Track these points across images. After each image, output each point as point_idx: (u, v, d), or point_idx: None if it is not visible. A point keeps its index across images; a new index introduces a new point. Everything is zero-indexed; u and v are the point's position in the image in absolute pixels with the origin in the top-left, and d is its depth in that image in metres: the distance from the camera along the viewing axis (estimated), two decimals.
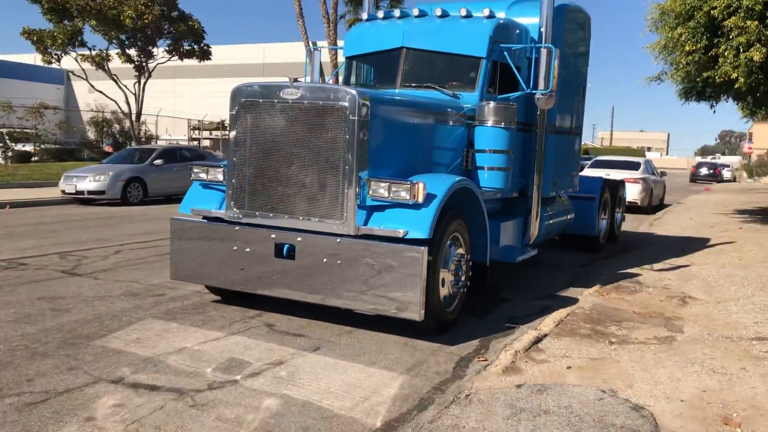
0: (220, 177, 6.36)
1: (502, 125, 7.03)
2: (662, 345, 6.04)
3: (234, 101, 6.13)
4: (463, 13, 7.65)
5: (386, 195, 5.61)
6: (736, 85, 11.35)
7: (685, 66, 12.35)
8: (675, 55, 12.61)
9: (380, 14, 8.21)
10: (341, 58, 8.57)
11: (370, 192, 5.67)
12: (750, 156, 66.46)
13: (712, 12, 11.22)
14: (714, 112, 17.77)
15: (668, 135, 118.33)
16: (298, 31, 31.11)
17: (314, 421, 4.13)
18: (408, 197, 5.53)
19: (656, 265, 10.31)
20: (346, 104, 5.63)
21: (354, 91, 5.65)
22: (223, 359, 5.17)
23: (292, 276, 5.90)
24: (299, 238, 5.84)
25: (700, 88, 13.62)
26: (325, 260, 5.73)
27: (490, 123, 7.05)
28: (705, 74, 12.22)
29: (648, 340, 6.19)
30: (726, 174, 53.81)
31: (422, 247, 5.41)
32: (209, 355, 5.24)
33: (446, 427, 4.11)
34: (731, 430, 4.15)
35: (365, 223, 5.70)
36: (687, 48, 12.08)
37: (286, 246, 5.93)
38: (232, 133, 6.17)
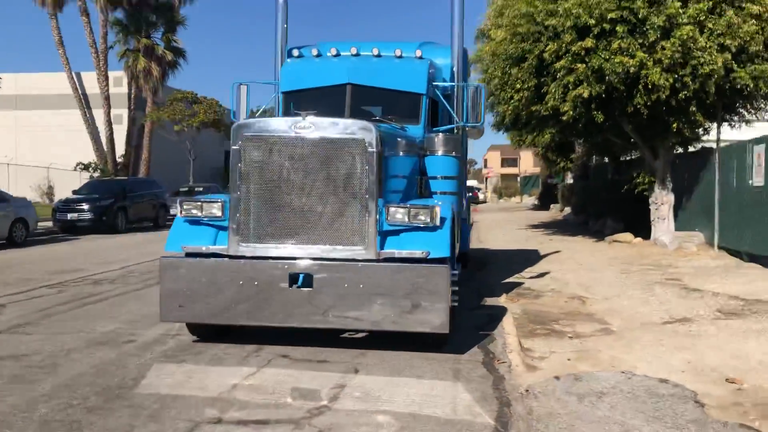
0: (217, 212, 6.29)
1: (452, 154, 7.82)
2: (611, 335, 7.21)
3: (238, 136, 6.15)
4: (398, 53, 8.34)
5: (405, 219, 6.08)
6: (565, 117, 13.41)
7: (516, 101, 14.25)
8: (506, 92, 14.46)
9: (314, 52, 8.57)
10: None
11: (388, 218, 6.09)
12: (488, 179, 75.65)
13: (543, 55, 13.18)
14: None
15: None
16: (56, 61, 28.90)
17: (439, 426, 4.49)
18: (428, 221, 6.05)
19: (525, 274, 11.79)
20: (365, 137, 6.01)
21: (372, 125, 6.06)
22: (288, 389, 5.22)
23: (310, 304, 6.04)
24: (316, 267, 6.04)
25: (525, 120, 15.76)
26: (346, 285, 5.99)
27: (440, 152, 7.81)
28: (533, 108, 14.23)
29: (595, 333, 7.34)
30: (480, 196, 60.59)
31: (446, 265, 5.97)
32: (271, 388, 5.24)
33: (546, 415, 4.73)
34: (737, 385, 5.32)
35: (382, 247, 6.10)
36: (517, 86, 14.00)
37: (301, 275, 6.07)
38: (237, 168, 6.16)
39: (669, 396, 5.11)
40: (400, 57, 8.37)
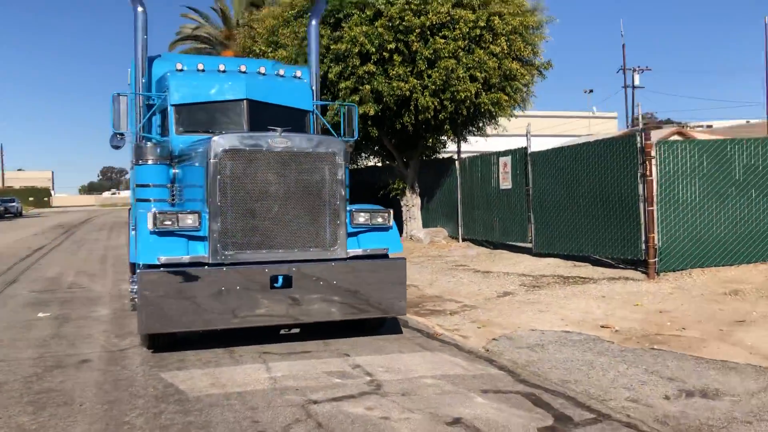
0: (193, 223, 6.50)
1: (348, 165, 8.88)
2: (476, 309, 9.08)
3: (214, 151, 6.48)
4: (281, 73, 9.09)
5: (366, 221, 7.10)
6: None
7: None
8: None
9: (200, 66, 8.77)
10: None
11: (353, 221, 7.05)
12: None
13: (328, 76, 14.67)
14: None
15: (52, 173, 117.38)
16: None
17: (474, 379, 5.74)
18: (384, 222, 7.17)
19: None
20: (334, 150, 6.87)
21: (339, 139, 6.95)
22: (322, 373, 5.91)
23: (289, 303, 6.70)
24: (294, 268, 6.72)
25: None
26: (321, 283, 6.80)
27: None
28: None
29: (462, 309, 9.15)
30: None
31: (404, 258, 7.16)
32: (306, 374, 5.87)
33: (526, 363, 6.30)
34: (612, 329, 7.54)
35: (348, 247, 7.03)
36: None
37: (280, 277, 6.69)
38: (215, 181, 6.48)
39: (584, 340, 7.10)
40: (283, 76, 9.13)
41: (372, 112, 14.55)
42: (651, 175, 10.44)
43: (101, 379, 5.87)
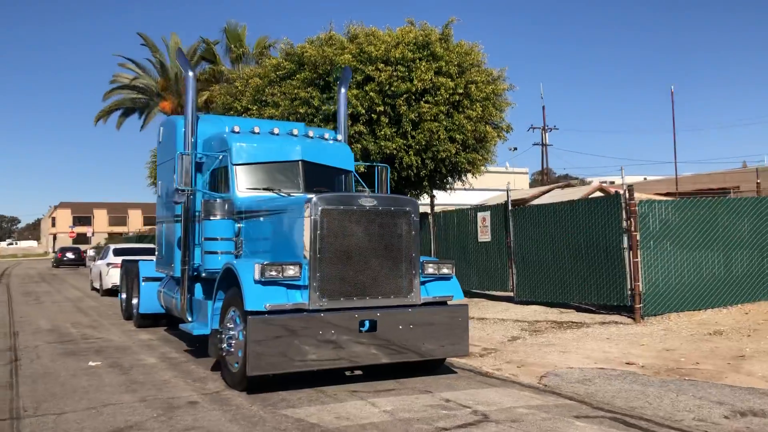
0: (292, 273, 7.21)
1: None
2: (497, 351, 10.05)
3: (315, 209, 7.27)
4: (326, 136, 9.99)
5: (434, 272, 8.02)
6: None
7: None
8: None
9: (256, 129, 9.51)
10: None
11: (423, 271, 7.94)
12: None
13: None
14: None
15: None
16: None
17: (558, 407, 6.69)
18: (450, 272, 8.10)
19: None
20: (411, 208, 7.79)
21: (412, 199, 7.88)
22: (429, 406, 6.68)
23: (374, 345, 7.47)
24: (378, 314, 7.52)
25: None
26: (400, 327, 7.63)
27: None
28: None
29: (484, 351, 10.09)
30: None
31: (467, 304, 8.09)
32: (413, 408, 6.62)
33: (587, 395, 7.31)
34: (636, 365, 8.68)
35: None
36: None
37: (367, 322, 7.47)
38: (315, 236, 7.24)
39: (622, 374, 8.19)
40: (327, 140, 10.02)
41: (362, 169, 15.49)
42: (635, 229, 11.89)
43: (230, 416, 6.40)
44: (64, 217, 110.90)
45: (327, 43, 16.87)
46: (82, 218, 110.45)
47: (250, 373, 6.96)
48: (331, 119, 15.70)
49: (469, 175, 18.26)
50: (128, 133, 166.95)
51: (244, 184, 9.14)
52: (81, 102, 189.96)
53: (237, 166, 9.15)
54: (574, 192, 33.14)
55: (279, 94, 16.53)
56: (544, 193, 33.98)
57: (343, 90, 11.13)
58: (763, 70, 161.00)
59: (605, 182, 53.77)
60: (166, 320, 13.11)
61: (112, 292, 20.90)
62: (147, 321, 12.97)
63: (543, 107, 68.80)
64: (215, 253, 8.65)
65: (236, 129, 9.45)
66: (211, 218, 8.63)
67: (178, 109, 38.32)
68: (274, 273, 7.16)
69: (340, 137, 10.31)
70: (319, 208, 7.34)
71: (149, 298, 12.48)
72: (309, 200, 7.39)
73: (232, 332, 7.42)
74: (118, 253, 21.58)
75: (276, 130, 9.65)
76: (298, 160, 9.33)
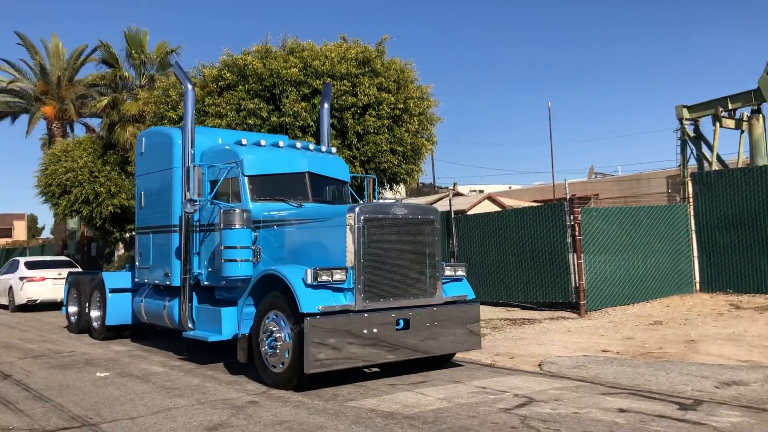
0: (339, 277, 7.77)
1: None
2: (487, 343, 11.04)
3: (358, 218, 7.88)
4: (323, 149, 10.55)
5: (451, 273, 8.86)
6: None
7: None
8: None
9: (263, 142, 9.86)
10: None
11: (443, 273, 8.76)
12: None
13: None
14: None
15: None
16: None
17: (575, 389, 7.73)
18: (463, 274, 8.98)
19: None
20: (434, 216, 8.58)
21: (435, 208, 8.68)
22: (473, 392, 7.48)
23: (409, 341, 8.19)
24: (410, 313, 8.26)
25: None
26: (428, 324, 8.41)
27: None
28: None
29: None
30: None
31: (479, 302, 9.00)
32: (457, 397, 7.40)
33: (590, 377, 8.43)
34: (611, 352, 9.95)
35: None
36: None
37: (401, 320, 8.18)
38: (359, 243, 7.85)
39: (608, 359, 9.41)
40: (325, 153, 10.58)
41: None
42: (579, 233, 13.35)
43: (305, 411, 6.86)
44: None
45: (265, 56, 17.22)
46: None
47: (308, 371, 7.43)
48: (279, 130, 16.09)
49: (401, 185, 19.24)
50: (4, 140, 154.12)
51: (255, 195, 9.51)
52: None
53: (248, 177, 9.51)
54: (466, 200, 34.99)
55: (224, 105, 16.66)
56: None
57: (326, 105, 11.71)
58: (620, 89, 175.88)
59: (475, 191, 56.73)
60: (130, 331, 13.00)
61: (26, 307, 19.99)
62: (111, 333, 12.77)
63: None
64: (235, 261, 8.95)
65: (243, 141, 9.79)
66: (232, 227, 8.93)
67: (60, 115, 36.49)
68: (325, 277, 7.69)
69: (334, 150, 10.89)
70: (362, 218, 7.95)
71: (117, 310, 12.36)
72: (352, 210, 7.98)
73: (277, 335, 7.84)
74: (31, 266, 20.59)
75: (281, 143, 10.09)
76: (305, 172, 9.84)
